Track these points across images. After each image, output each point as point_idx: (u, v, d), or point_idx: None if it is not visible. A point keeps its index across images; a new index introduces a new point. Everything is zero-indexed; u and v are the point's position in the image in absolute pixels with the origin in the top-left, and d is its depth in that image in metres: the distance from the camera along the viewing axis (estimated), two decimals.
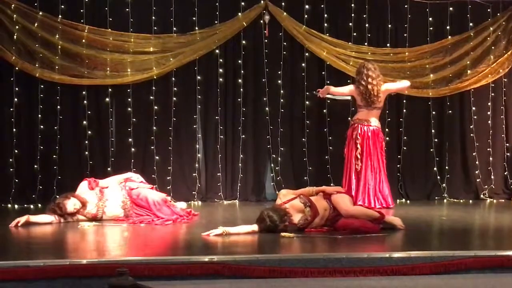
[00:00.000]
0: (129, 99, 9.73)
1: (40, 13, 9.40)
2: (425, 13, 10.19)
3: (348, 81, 9.74)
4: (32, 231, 7.25)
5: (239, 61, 9.93)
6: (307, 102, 10.04)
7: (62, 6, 9.53)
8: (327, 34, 9.97)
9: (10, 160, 9.45)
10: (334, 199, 7.28)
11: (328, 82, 9.97)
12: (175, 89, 9.82)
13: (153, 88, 9.76)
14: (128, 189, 8.10)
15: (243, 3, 9.85)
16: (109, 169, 9.58)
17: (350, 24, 10.09)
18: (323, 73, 10.05)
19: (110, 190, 8.10)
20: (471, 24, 10.22)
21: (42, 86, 9.52)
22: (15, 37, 9.35)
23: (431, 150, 10.26)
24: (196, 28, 9.78)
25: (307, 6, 10.00)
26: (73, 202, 7.80)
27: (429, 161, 10.28)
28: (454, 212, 8.74)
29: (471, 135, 10.27)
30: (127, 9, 9.68)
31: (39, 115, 9.53)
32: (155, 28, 9.75)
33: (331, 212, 7.18)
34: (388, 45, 10.10)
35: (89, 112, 9.65)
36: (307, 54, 10.02)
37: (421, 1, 10.16)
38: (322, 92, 9.24)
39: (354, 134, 9.07)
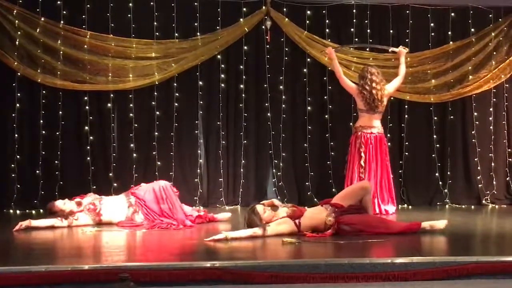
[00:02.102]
0: (131, 105, 9.73)
1: (42, 18, 9.42)
2: (426, 18, 10.20)
3: None
4: (34, 236, 7.26)
5: (241, 67, 9.94)
6: (309, 108, 10.05)
7: (64, 12, 9.56)
8: (329, 40, 9.98)
9: (12, 165, 9.47)
10: (340, 195, 7.55)
11: (329, 87, 10.00)
12: (177, 94, 9.83)
13: (155, 93, 9.78)
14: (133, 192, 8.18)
15: (245, 9, 9.86)
16: (110, 174, 9.60)
17: (352, 29, 10.10)
18: (324, 78, 10.06)
19: (112, 197, 8.30)
20: (472, 29, 10.24)
21: (44, 92, 9.54)
22: (17, 42, 9.38)
23: (433, 155, 10.26)
24: (198, 33, 9.80)
25: (308, 12, 10.01)
26: (62, 200, 7.94)
27: (431, 166, 10.27)
28: (456, 218, 8.71)
29: (473, 140, 10.27)
30: (129, 15, 9.70)
31: (41, 121, 9.54)
32: (157, 33, 9.76)
33: (331, 211, 7.22)
34: (390, 50, 10.09)
35: (91, 118, 9.66)
36: (308, 59, 10.03)
37: (422, 6, 10.18)
38: (330, 52, 9.23)
39: (358, 143, 9.05)
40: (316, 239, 6.86)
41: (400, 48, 9.46)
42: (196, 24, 9.81)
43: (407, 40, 10.15)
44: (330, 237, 6.95)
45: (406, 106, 10.19)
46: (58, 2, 9.53)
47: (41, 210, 9.16)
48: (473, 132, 10.28)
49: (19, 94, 9.50)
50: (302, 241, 6.65)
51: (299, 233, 7.06)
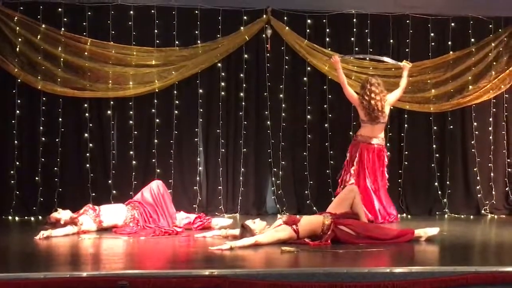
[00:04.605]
0: (131, 112, 9.74)
1: (43, 25, 9.44)
2: (427, 28, 10.22)
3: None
4: (33, 243, 7.24)
5: (241, 75, 9.95)
6: (308, 116, 10.05)
7: (65, 19, 9.58)
8: (329, 49, 9.98)
9: (12, 172, 9.47)
10: (332, 205, 7.70)
11: (329, 96, 10.02)
12: (177, 102, 9.84)
13: (155, 101, 9.79)
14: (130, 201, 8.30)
15: (245, 17, 9.88)
16: (110, 181, 9.59)
17: (352, 38, 10.12)
18: (324, 87, 10.07)
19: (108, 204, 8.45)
20: (472, 39, 10.26)
21: (44, 99, 9.55)
22: (18, 49, 9.39)
23: (432, 165, 10.26)
24: (199, 41, 9.81)
25: (309, 21, 10.02)
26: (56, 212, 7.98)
27: (430, 176, 10.27)
28: (455, 228, 8.72)
29: (472, 150, 10.27)
30: (129, 23, 9.71)
31: (41, 127, 9.55)
32: (158, 41, 9.78)
33: (328, 215, 7.29)
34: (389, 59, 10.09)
35: (91, 125, 9.67)
36: (309, 68, 10.04)
37: (423, 16, 10.20)
38: (335, 61, 9.23)
39: (354, 151, 9.08)
40: (316, 247, 6.86)
41: (404, 63, 9.47)
42: (196, 32, 9.83)
43: (407, 50, 10.17)
44: (330, 245, 6.96)
45: (405, 116, 10.20)
46: (59, 9, 9.55)
47: (40, 217, 9.17)
48: (472, 142, 10.28)
49: (19, 101, 9.51)
50: (300, 250, 6.65)
51: (298, 239, 7.08)
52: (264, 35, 9.89)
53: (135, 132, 9.76)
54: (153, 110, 9.79)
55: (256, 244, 6.89)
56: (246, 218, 9.26)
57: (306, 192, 9.99)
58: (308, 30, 10.03)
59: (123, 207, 8.23)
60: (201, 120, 9.92)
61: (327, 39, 10.08)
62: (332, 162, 10.05)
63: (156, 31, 9.77)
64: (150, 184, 8.44)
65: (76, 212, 8.00)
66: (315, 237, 7.15)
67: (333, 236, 7.07)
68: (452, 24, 10.25)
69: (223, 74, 9.93)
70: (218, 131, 9.91)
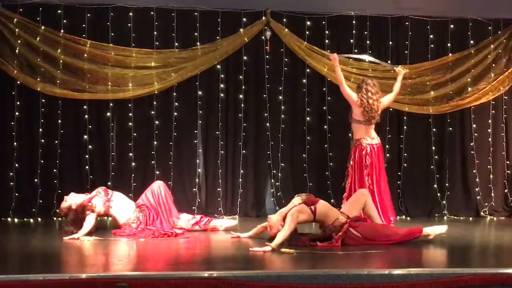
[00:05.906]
0: (130, 114, 9.75)
1: (42, 27, 9.44)
2: (426, 30, 10.23)
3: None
4: (32, 245, 7.24)
5: (240, 77, 9.95)
6: (308, 118, 10.06)
7: (65, 21, 9.58)
8: (328, 51, 9.97)
9: (11, 173, 9.47)
10: (345, 208, 7.68)
11: (329, 98, 10.02)
12: (176, 104, 9.85)
13: (154, 103, 9.79)
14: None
15: (244, 19, 9.88)
16: (109, 183, 9.58)
17: (351, 40, 10.13)
18: (324, 89, 10.08)
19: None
20: (471, 41, 10.27)
21: (43, 100, 9.55)
22: (17, 51, 9.40)
23: (432, 167, 10.26)
24: (198, 43, 9.82)
25: (308, 23, 10.03)
26: (62, 204, 8.01)
27: (429, 178, 10.28)
28: (454, 229, 8.70)
29: (472, 152, 10.28)
30: (129, 24, 9.72)
31: (40, 129, 9.55)
32: (157, 43, 9.78)
33: (344, 215, 7.31)
34: (389, 62, 10.09)
35: (90, 127, 9.67)
36: (308, 70, 10.04)
37: (422, 18, 10.21)
38: (334, 58, 9.18)
39: (363, 155, 8.99)
40: (323, 247, 6.88)
41: (399, 68, 9.43)
42: (196, 34, 9.83)
43: (406, 52, 10.18)
44: (340, 247, 6.98)
45: (405, 118, 10.20)
46: (59, 11, 9.56)
47: (39, 219, 9.18)
48: (471, 144, 10.29)
49: (18, 103, 9.51)
50: (300, 251, 6.65)
51: (314, 220, 7.21)
52: (263, 37, 9.89)
53: (135, 134, 9.76)
54: (152, 112, 9.80)
55: (291, 233, 6.97)
56: (245, 220, 9.35)
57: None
58: (307, 32, 10.04)
59: (133, 206, 8.22)
60: (200, 122, 9.92)
61: (326, 41, 10.08)
62: (331, 163, 10.06)
63: (155, 33, 9.78)
64: (151, 185, 8.45)
65: (87, 193, 8.05)
66: (321, 228, 7.25)
67: (343, 237, 7.09)
68: (451, 26, 10.27)
69: (222, 76, 9.93)
70: (217, 132, 9.92)
